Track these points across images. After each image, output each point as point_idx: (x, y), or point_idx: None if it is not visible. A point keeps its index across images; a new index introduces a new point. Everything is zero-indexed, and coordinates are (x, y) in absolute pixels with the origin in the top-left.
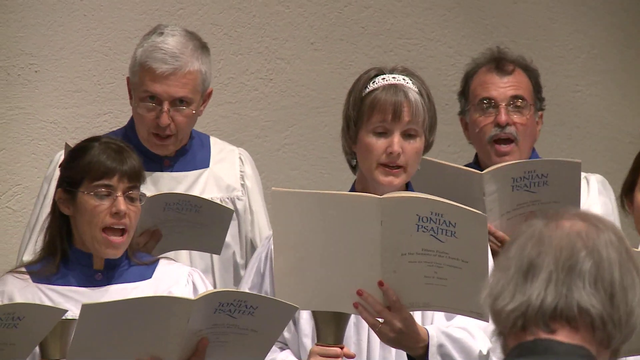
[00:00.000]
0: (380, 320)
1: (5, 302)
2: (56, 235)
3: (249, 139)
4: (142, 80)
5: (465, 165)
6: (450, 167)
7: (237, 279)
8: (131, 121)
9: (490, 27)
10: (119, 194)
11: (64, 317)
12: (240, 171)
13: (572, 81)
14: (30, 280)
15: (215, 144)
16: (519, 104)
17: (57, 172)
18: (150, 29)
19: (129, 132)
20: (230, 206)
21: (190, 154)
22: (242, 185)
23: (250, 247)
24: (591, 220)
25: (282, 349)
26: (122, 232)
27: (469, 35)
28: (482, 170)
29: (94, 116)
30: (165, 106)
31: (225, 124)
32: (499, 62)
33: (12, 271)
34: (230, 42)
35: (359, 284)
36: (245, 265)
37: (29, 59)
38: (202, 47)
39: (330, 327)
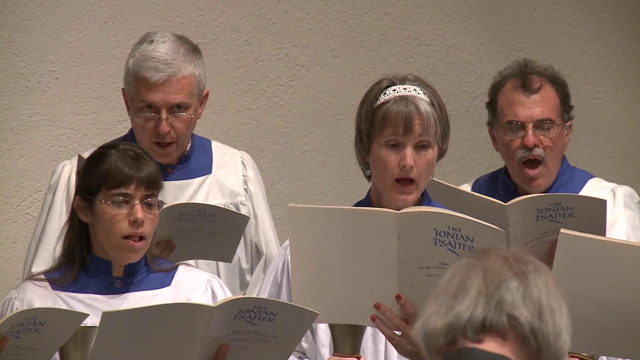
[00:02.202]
0: (397, 333)
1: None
2: (75, 243)
3: (268, 145)
4: (137, 91)
5: (497, 172)
6: (474, 196)
7: (243, 285)
8: (131, 130)
9: (511, 34)
10: (137, 202)
11: (84, 325)
12: (243, 175)
13: (593, 87)
14: (49, 288)
15: (217, 148)
16: (545, 126)
17: (62, 183)
18: (140, 38)
19: (131, 141)
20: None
21: (192, 160)
22: (246, 190)
23: (255, 252)
24: (516, 258)
25: (300, 358)
26: (140, 238)
27: (489, 41)
28: (512, 181)
29: (114, 123)
30: (164, 114)
31: (245, 131)
32: (526, 79)
33: (31, 279)
34: (250, 49)
35: (376, 297)
36: (251, 270)
37: (49, 65)
38: (194, 50)
39: (347, 337)
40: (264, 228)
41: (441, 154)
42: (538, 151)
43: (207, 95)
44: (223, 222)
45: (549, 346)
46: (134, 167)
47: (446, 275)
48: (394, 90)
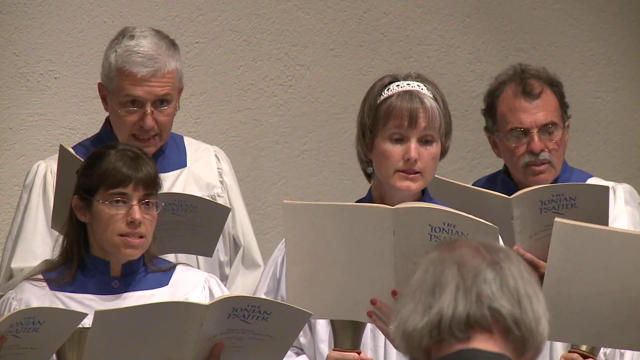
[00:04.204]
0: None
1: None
2: (73, 242)
3: (268, 145)
4: (121, 85)
5: (495, 174)
6: (478, 191)
7: (222, 277)
8: (105, 127)
9: (510, 34)
10: (135, 202)
11: (81, 326)
12: (218, 168)
13: (592, 87)
14: (47, 288)
15: (190, 144)
16: (549, 130)
17: (37, 182)
18: (118, 33)
19: (105, 139)
20: None
21: (167, 155)
22: (221, 182)
23: (233, 244)
24: (487, 248)
25: (298, 354)
26: (139, 237)
27: (489, 41)
28: (512, 181)
29: None
30: (148, 108)
31: (245, 130)
32: (525, 85)
33: (29, 278)
34: (249, 49)
35: (372, 293)
36: (230, 263)
37: (48, 65)
38: (173, 45)
39: (348, 332)
40: (240, 220)
41: (443, 151)
42: (544, 155)
43: (182, 89)
44: (204, 213)
45: (532, 334)
46: (132, 168)
47: (418, 271)
48: (398, 85)
